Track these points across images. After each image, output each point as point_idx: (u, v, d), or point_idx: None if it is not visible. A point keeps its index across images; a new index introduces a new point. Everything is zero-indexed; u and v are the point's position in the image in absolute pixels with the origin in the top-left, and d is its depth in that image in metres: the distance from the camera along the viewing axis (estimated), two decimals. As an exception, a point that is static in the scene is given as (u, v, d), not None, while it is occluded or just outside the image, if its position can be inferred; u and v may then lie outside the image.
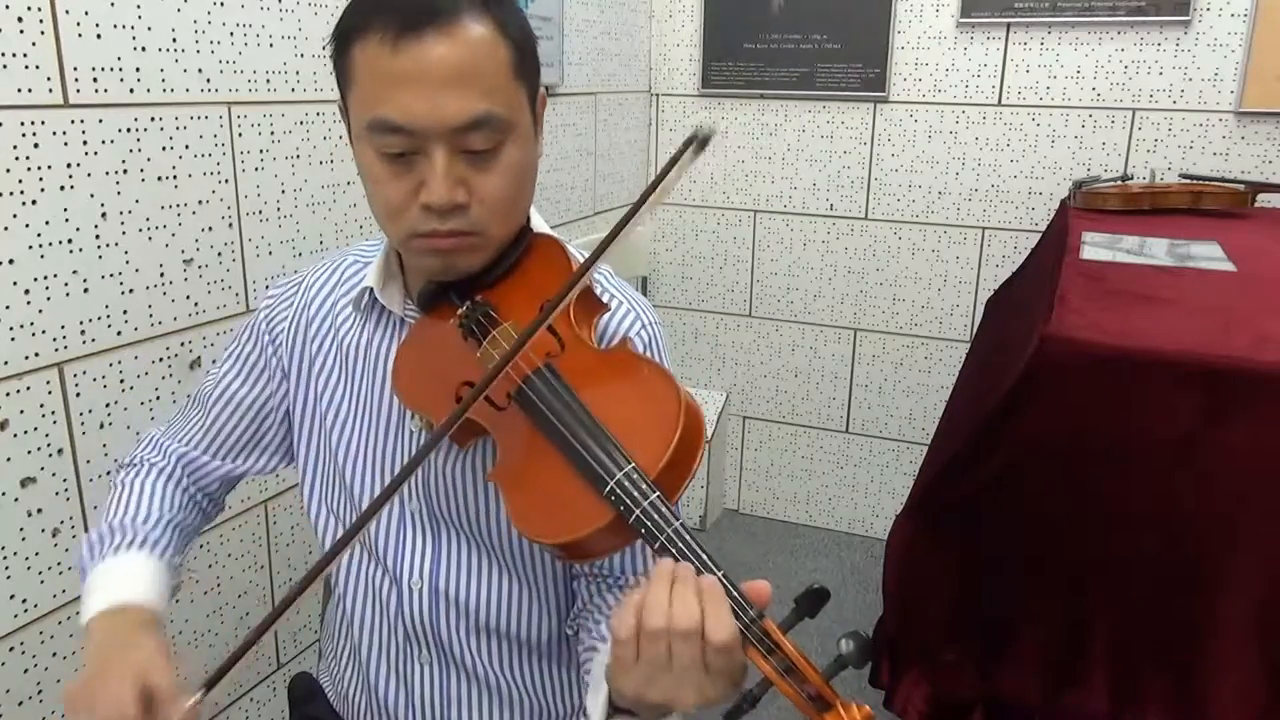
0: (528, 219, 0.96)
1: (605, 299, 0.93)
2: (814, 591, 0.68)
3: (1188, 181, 2.29)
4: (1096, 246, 1.81)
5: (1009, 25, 2.54)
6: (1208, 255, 1.75)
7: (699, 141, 0.75)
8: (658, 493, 0.71)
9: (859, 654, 0.66)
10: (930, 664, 1.44)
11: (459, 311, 0.88)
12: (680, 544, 0.70)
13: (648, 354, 0.93)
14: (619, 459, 0.72)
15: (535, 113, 0.90)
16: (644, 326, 0.95)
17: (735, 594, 0.69)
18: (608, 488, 0.71)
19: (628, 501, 0.70)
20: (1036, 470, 1.30)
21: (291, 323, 1.03)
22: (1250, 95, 2.37)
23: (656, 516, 0.70)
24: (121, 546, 0.95)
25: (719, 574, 0.69)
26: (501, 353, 0.81)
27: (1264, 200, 2.28)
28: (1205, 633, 1.24)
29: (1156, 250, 1.79)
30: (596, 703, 0.77)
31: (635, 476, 0.71)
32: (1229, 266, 1.67)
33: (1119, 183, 2.35)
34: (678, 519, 0.71)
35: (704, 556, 0.70)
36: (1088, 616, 1.30)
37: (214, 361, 1.11)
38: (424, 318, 0.94)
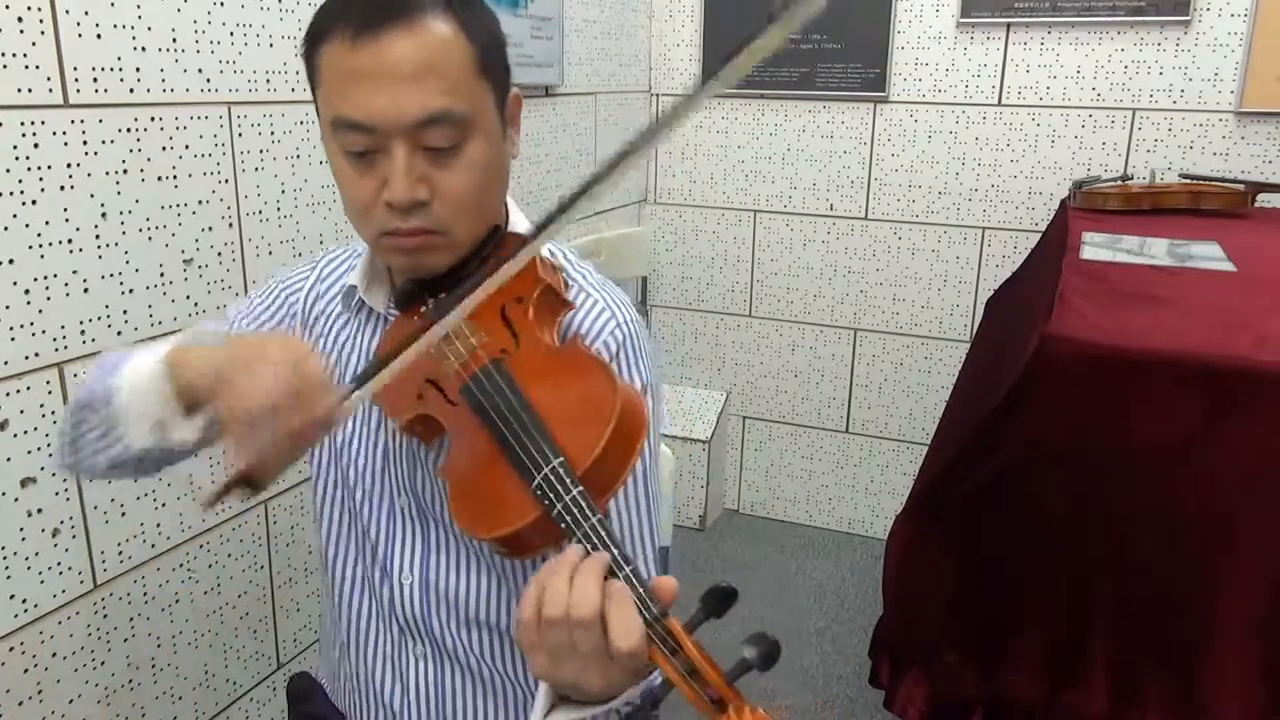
0: (507, 219, 0.96)
1: (577, 298, 0.92)
2: (720, 590, 0.68)
3: (1188, 181, 2.29)
4: (1096, 246, 1.81)
5: (1009, 25, 2.54)
6: (1208, 255, 1.75)
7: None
8: (580, 488, 0.71)
9: (762, 658, 0.66)
10: (930, 664, 1.44)
11: (423, 309, 0.89)
12: (594, 539, 0.70)
13: (622, 354, 0.93)
14: (547, 454, 0.73)
15: (505, 113, 0.91)
16: (619, 325, 0.93)
17: (640, 591, 0.68)
18: (534, 482, 0.72)
19: (551, 496, 0.71)
20: (1036, 470, 1.30)
21: (304, 301, 1.04)
22: (1250, 95, 2.37)
23: (575, 512, 0.71)
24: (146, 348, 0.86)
25: (627, 570, 0.69)
26: (454, 350, 0.82)
27: (1264, 200, 2.29)
28: (1205, 633, 1.24)
29: (1156, 250, 1.79)
30: (541, 688, 0.78)
31: (561, 472, 0.72)
32: (1229, 266, 1.67)
33: (1119, 183, 2.35)
34: (595, 515, 0.71)
35: (615, 553, 0.70)
36: (1088, 616, 1.30)
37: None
38: (400, 317, 0.95)
